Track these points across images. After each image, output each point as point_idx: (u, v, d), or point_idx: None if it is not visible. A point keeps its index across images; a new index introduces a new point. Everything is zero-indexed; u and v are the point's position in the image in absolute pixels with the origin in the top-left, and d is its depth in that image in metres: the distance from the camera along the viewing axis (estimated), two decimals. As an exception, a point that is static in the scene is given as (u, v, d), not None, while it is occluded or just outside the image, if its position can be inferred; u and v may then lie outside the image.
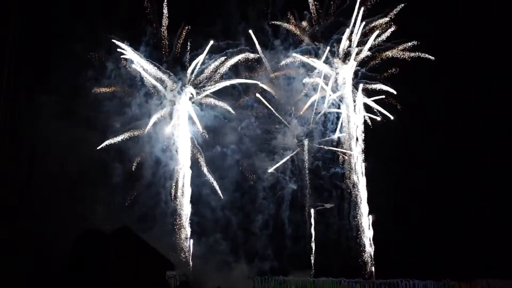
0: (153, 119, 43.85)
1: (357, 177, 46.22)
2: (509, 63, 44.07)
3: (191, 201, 44.11)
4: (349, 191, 46.06)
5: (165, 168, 44.27)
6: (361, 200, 45.89)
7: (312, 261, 45.00)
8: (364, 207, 45.73)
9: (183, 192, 44.11)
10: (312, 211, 46.21)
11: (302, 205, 46.81)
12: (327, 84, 46.81)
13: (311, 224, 46.23)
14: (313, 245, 45.45)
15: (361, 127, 46.88)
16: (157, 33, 44.77)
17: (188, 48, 45.05)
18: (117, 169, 42.54)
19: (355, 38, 46.63)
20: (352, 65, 47.01)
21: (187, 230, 43.62)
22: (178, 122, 44.86)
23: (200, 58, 44.76)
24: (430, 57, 45.83)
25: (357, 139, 46.72)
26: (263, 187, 46.06)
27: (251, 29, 45.46)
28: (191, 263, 42.99)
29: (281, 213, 45.78)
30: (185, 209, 43.85)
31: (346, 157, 46.77)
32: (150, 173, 43.56)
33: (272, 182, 46.40)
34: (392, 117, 46.40)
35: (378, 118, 46.95)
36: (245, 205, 45.34)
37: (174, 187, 44.05)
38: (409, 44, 46.41)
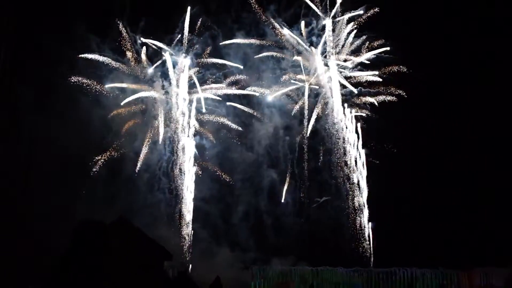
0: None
1: (354, 166, 46.31)
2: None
3: (170, 192, 44.62)
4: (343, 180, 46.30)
5: (148, 159, 44.73)
6: (359, 191, 46.01)
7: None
8: (362, 197, 45.86)
9: (182, 183, 44.21)
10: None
11: (282, 197, 47.04)
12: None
13: (308, 216, 46.45)
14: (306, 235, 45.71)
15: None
16: (120, 27, 44.92)
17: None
18: (98, 163, 43.11)
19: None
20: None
21: (188, 220, 43.76)
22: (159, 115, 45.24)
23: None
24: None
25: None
26: (242, 179, 46.36)
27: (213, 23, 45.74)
28: (190, 252, 43.20)
29: (260, 203, 46.24)
30: (186, 200, 44.01)
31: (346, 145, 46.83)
32: (131, 166, 44.21)
33: (251, 174, 46.62)
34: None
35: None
36: (225, 196, 45.79)
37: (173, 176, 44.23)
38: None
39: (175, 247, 41.23)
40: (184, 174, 44.26)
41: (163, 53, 45.27)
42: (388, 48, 46.83)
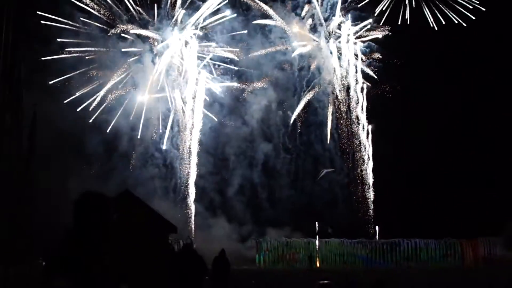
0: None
1: (360, 136, 46.27)
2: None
3: (164, 165, 44.49)
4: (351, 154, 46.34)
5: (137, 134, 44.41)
6: (366, 160, 46.05)
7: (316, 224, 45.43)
8: (367, 168, 45.96)
9: (188, 155, 44.15)
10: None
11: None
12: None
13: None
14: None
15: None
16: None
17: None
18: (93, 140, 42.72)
19: None
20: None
21: (190, 194, 43.83)
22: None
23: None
24: None
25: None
26: (235, 152, 46.21)
27: None
28: (193, 225, 43.40)
29: (255, 175, 46.19)
30: (190, 172, 44.02)
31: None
32: (126, 140, 43.84)
33: (244, 148, 46.45)
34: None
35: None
36: (221, 169, 45.70)
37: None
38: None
39: (174, 220, 41.49)
40: (189, 150, 44.17)
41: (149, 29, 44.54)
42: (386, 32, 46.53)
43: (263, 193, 45.78)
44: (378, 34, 46.94)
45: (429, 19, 46.61)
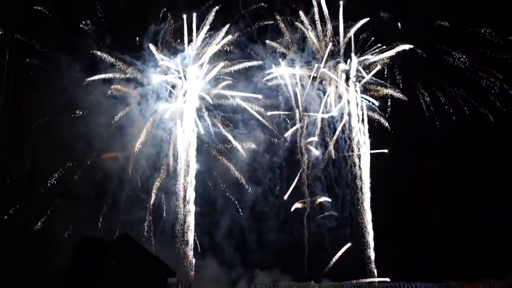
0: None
1: (360, 176, 46.39)
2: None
3: (153, 207, 44.07)
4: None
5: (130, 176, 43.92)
6: (362, 200, 46.02)
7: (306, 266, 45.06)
8: (366, 208, 45.90)
9: (184, 198, 43.97)
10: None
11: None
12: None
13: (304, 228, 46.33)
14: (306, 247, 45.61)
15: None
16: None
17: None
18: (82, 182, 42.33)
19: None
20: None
21: (190, 238, 43.50)
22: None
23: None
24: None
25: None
26: (223, 195, 45.63)
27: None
28: (193, 270, 42.95)
29: (242, 219, 45.57)
30: (189, 216, 43.80)
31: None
32: (114, 184, 43.09)
33: (232, 191, 45.86)
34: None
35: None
36: (210, 213, 45.07)
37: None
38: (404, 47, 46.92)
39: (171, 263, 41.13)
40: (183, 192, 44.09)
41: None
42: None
43: (251, 236, 45.17)
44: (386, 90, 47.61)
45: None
